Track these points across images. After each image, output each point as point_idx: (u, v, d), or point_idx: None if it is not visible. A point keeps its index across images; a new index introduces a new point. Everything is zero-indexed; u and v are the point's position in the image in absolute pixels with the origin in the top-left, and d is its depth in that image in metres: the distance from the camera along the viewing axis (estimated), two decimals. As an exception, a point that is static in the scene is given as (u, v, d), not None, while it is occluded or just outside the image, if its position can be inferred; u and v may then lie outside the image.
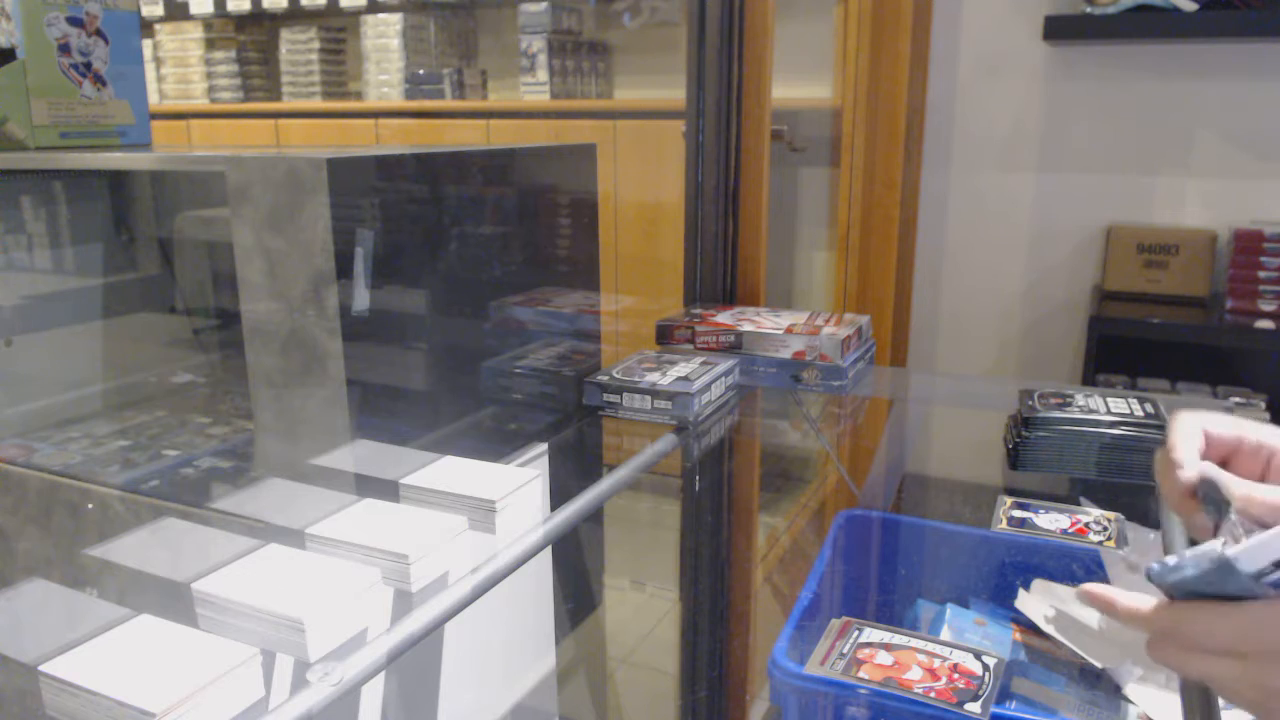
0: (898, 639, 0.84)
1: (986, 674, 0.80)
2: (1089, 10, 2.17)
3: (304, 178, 0.80)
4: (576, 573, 1.27)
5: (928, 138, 2.51)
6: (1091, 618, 0.99)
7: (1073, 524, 1.01)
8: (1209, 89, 2.23)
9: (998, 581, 1.08)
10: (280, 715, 0.55)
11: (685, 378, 1.10)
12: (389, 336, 0.90)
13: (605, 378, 1.10)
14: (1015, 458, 1.07)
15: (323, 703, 0.57)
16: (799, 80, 2.67)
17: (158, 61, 3.65)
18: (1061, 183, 2.41)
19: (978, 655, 0.82)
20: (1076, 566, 1.02)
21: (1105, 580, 0.99)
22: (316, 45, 3.39)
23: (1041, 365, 2.51)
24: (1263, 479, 0.52)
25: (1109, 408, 1.07)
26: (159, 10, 3.60)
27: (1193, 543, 0.50)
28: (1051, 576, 1.03)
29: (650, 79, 3.11)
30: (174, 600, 0.64)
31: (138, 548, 0.96)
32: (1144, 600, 0.48)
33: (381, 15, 3.24)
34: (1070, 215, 2.41)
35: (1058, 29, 2.23)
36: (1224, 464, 0.53)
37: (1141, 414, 1.06)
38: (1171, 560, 0.46)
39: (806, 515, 2.19)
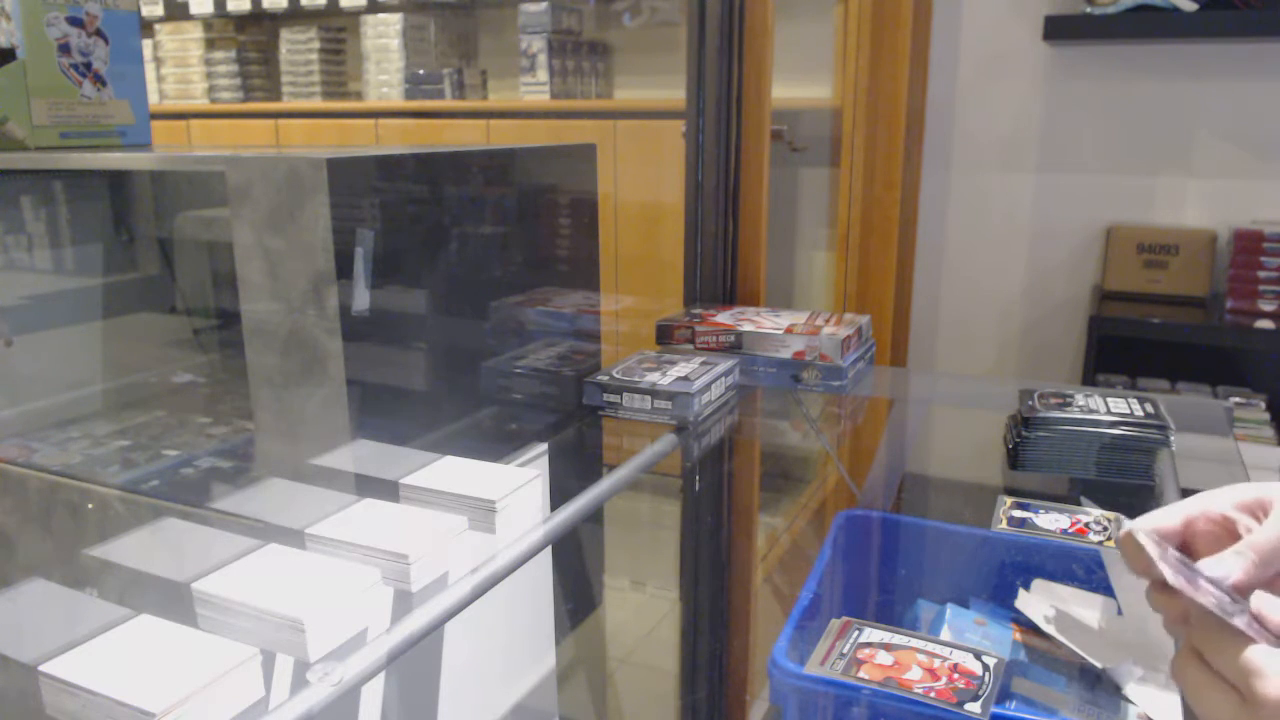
0: (898, 639, 0.84)
1: (986, 674, 0.80)
2: (1089, 10, 2.17)
3: (304, 178, 0.80)
4: (576, 573, 1.27)
5: (928, 138, 2.51)
6: (1092, 618, 0.99)
7: (1073, 524, 1.01)
8: (1209, 89, 2.23)
9: (998, 581, 1.07)
10: (280, 715, 0.55)
11: (685, 378, 1.10)
12: (389, 336, 0.90)
13: (605, 378, 1.10)
14: (1015, 458, 1.07)
15: (323, 703, 0.57)
16: (799, 80, 2.67)
17: (158, 61, 3.65)
18: (1061, 183, 2.41)
19: (978, 655, 0.82)
20: (1076, 566, 1.02)
21: (1105, 581, 0.99)
22: (316, 45, 3.39)
23: (1041, 365, 2.51)
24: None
25: (1109, 408, 1.07)
26: (159, 10, 3.60)
27: None
28: (1051, 576, 1.03)
29: (650, 79, 3.11)
30: (174, 600, 0.64)
31: (138, 548, 0.96)
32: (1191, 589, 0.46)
33: (381, 15, 3.24)
34: (1070, 215, 2.41)
35: (1058, 29, 2.23)
36: (1186, 551, 0.51)
37: (1141, 414, 1.06)
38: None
39: (806, 515, 2.19)
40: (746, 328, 1.25)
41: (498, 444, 1.04)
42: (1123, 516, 1.01)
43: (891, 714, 0.77)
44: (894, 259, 2.34)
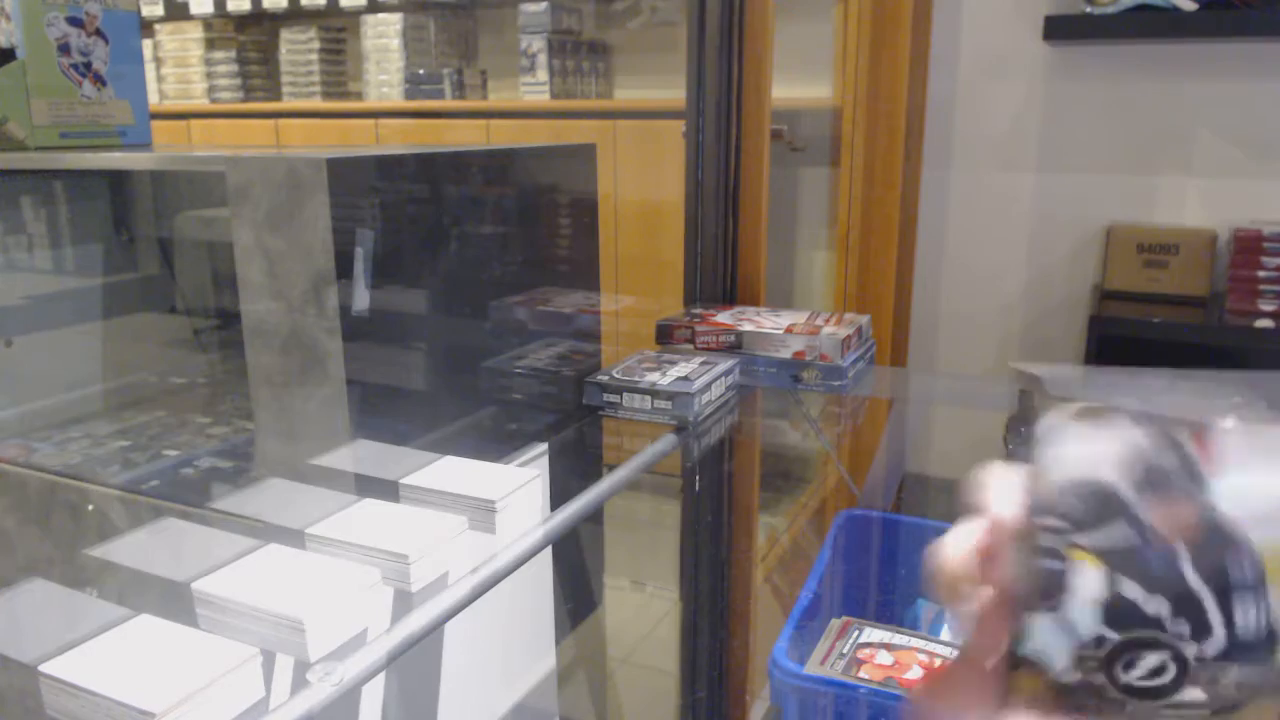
0: (898, 639, 0.84)
1: (986, 674, 0.79)
2: (1089, 10, 2.17)
3: (304, 178, 0.80)
4: (576, 573, 1.27)
5: (928, 138, 2.51)
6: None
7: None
8: (1209, 89, 2.23)
9: (998, 581, 1.07)
10: (280, 715, 0.55)
11: (685, 378, 1.10)
12: (389, 336, 0.90)
13: (605, 378, 1.10)
14: (1015, 458, 1.06)
15: (323, 703, 0.57)
16: (799, 80, 2.67)
17: (158, 61, 3.65)
18: (1061, 182, 2.41)
19: (978, 655, 0.82)
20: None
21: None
22: (316, 45, 3.39)
23: (1041, 365, 2.51)
24: None
25: (1109, 408, 1.07)
26: (159, 10, 3.60)
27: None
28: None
29: (650, 79, 3.11)
30: (174, 600, 0.64)
31: (138, 548, 0.96)
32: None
33: (381, 15, 3.24)
34: (1070, 215, 2.41)
35: (1058, 29, 2.23)
36: None
37: (1141, 414, 1.05)
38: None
39: (806, 515, 2.19)
40: (746, 328, 1.25)
41: (498, 444, 1.04)
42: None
43: (891, 714, 0.77)
44: (894, 259, 2.34)
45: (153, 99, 3.59)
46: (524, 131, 2.94)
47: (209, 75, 3.57)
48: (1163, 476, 0.27)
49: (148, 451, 1.12)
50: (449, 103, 3.13)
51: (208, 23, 3.55)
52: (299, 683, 0.58)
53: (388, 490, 0.81)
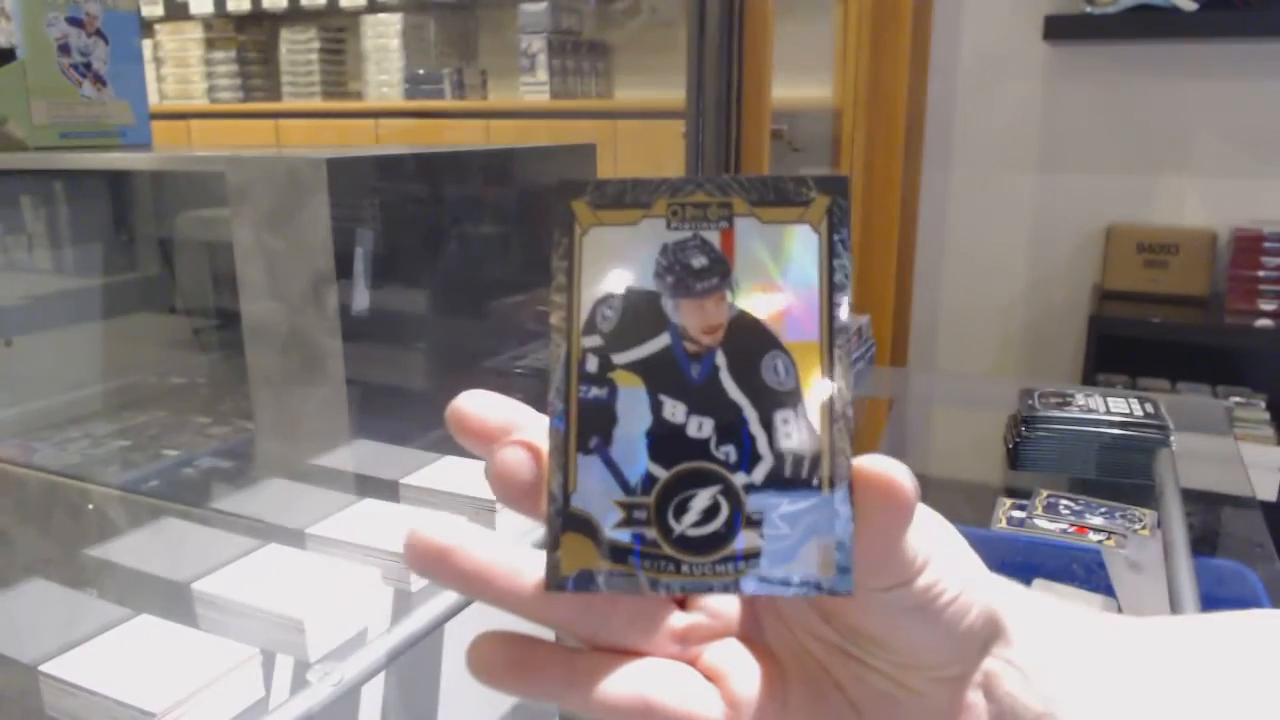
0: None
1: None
2: (1089, 10, 2.17)
3: (304, 178, 0.80)
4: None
5: (928, 138, 2.51)
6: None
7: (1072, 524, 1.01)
8: (1209, 89, 2.23)
9: (998, 581, 1.07)
10: (280, 715, 0.55)
11: (685, 378, 1.10)
12: (389, 336, 0.90)
13: (605, 378, 1.10)
14: (1015, 457, 1.06)
15: (323, 703, 0.57)
16: (799, 80, 2.67)
17: (158, 61, 3.65)
18: (1061, 183, 2.41)
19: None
20: (1077, 566, 1.02)
21: (1106, 581, 0.99)
22: (316, 45, 3.39)
23: (1041, 365, 2.51)
24: None
25: (1109, 408, 1.07)
26: (159, 10, 3.60)
27: None
28: (1051, 576, 1.03)
29: (650, 79, 3.11)
30: (174, 600, 0.64)
31: (138, 548, 0.96)
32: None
33: (381, 15, 3.24)
34: (1070, 215, 2.41)
35: (1058, 29, 2.23)
36: None
37: (1141, 414, 1.06)
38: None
39: (806, 515, 2.18)
40: (746, 328, 1.24)
41: (498, 444, 1.03)
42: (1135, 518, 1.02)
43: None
44: (894, 259, 2.34)
45: (153, 99, 3.59)
46: (524, 131, 2.93)
47: (209, 75, 3.57)
48: (692, 273, 0.25)
49: (148, 451, 1.12)
50: (449, 103, 3.13)
51: (208, 23, 3.55)
52: (299, 683, 0.58)
53: (388, 490, 0.81)
